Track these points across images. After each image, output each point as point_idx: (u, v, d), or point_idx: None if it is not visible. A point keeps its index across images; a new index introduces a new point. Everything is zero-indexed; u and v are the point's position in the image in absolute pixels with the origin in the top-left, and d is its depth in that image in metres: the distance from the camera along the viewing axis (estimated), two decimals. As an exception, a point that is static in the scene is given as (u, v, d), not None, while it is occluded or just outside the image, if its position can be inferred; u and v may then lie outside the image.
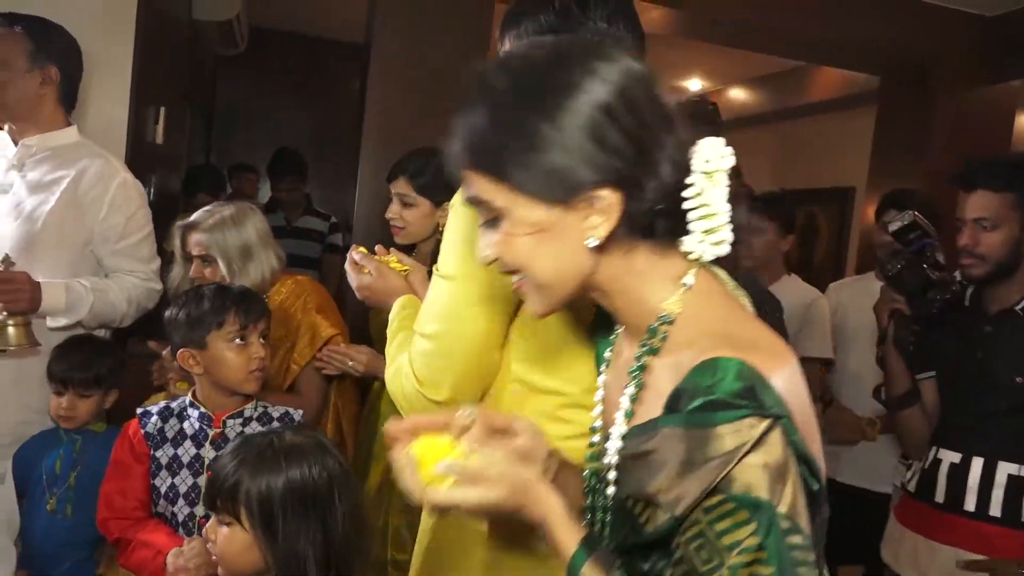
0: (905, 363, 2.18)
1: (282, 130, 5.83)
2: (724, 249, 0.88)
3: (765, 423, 0.77)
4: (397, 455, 0.93)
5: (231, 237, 2.13)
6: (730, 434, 0.76)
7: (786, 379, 0.82)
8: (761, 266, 2.82)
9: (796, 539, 0.76)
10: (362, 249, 1.64)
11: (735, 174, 0.89)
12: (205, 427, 1.76)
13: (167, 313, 1.83)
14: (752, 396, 0.77)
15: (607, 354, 1.01)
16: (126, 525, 1.73)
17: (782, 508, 0.76)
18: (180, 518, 1.73)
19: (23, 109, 2.14)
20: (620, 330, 1.00)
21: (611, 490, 0.90)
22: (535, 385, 1.19)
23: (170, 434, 1.76)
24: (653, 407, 0.85)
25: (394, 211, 2.20)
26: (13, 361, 2.08)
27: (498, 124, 0.87)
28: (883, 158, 4.37)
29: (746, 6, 3.81)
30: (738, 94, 6.25)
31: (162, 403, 1.82)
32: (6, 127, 2.20)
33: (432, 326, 1.17)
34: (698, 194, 0.87)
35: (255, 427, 1.75)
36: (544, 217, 0.86)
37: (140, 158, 3.13)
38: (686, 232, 0.88)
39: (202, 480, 1.71)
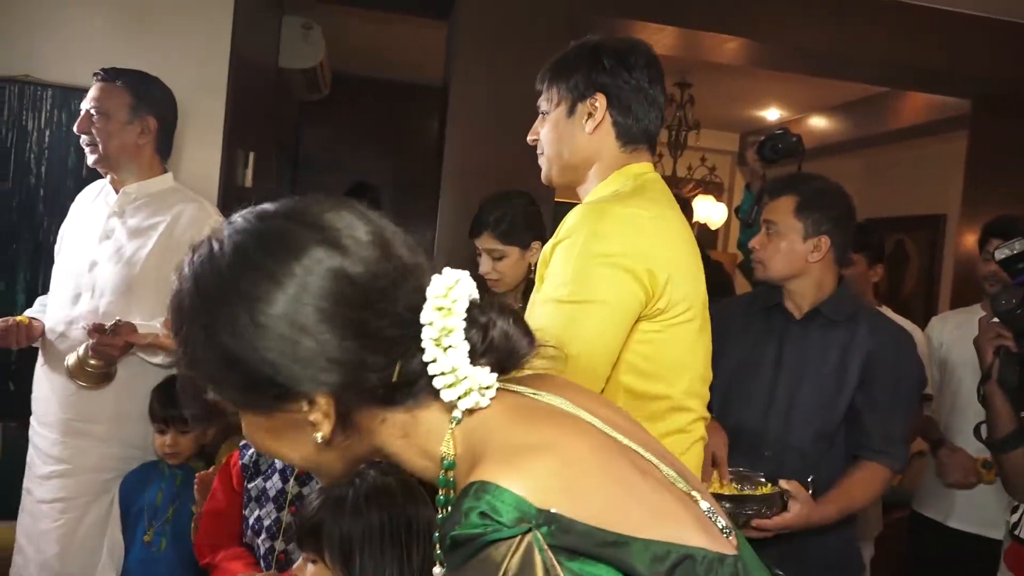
0: (1010, 402, 2.05)
1: (363, 172, 5.98)
2: (482, 401, 0.78)
3: (511, 543, 0.68)
4: None
5: None
6: (479, 568, 0.69)
7: (547, 471, 0.72)
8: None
9: None
10: None
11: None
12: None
13: None
14: (490, 519, 0.69)
15: None
16: (216, 551, 1.77)
17: None
18: (262, 551, 1.74)
19: (123, 158, 2.24)
20: None
21: None
22: (645, 393, 1.38)
23: (263, 467, 1.79)
24: None
25: (487, 266, 2.20)
26: (111, 399, 2.17)
27: (191, 333, 0.78)
28: (977, 184, 4.20)
29: (828, 34, 3.75)
30: (819, 122, 6.12)
31: None
32: (108, 176, 2.30)
33: (572, 348, 1.20)
34: (433, 361, 0.77)
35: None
36: (262, 421, 0.81)
37: (231, 201, 3.24)
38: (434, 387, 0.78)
39: (284, 515, 1.73)
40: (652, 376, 1.39)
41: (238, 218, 0.82)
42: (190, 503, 2.03)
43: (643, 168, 1.47)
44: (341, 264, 0.76)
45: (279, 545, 1.72)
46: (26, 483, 2.26)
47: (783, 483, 1.87)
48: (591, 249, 1.31)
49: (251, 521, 1.76)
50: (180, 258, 2.32)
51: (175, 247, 2.22)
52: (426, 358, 0.77)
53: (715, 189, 7.07)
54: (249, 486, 1.78)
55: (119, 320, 2.06)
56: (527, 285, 2.20)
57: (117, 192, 2.28)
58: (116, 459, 2.20)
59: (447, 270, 0.80)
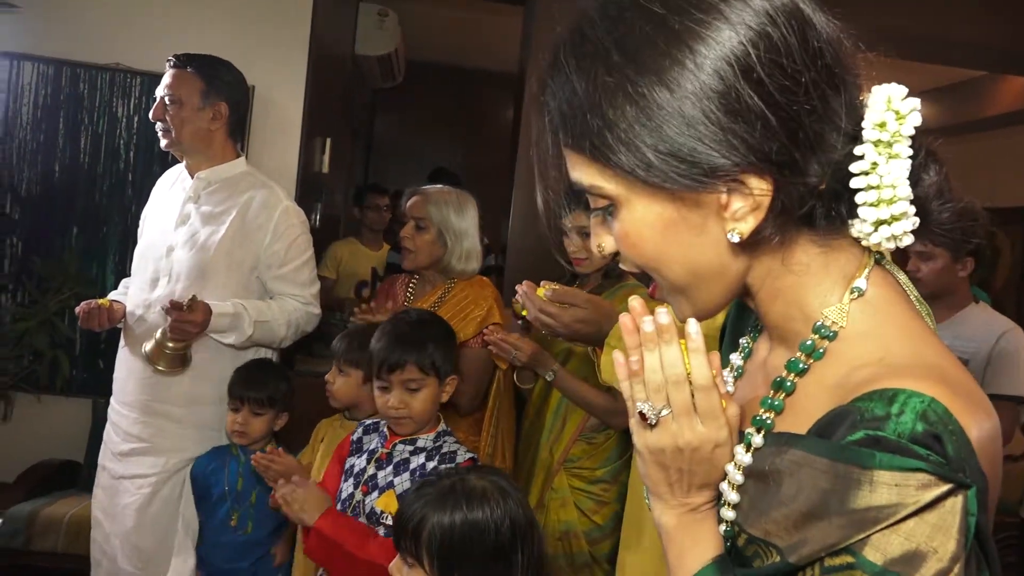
0: None
1: (435, 159, 6.02)
2: (904, 240, 0.67)
3: (943, 487, 0.57)
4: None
5: (450, 215, 2.32)
6: (889, 485, 0.57)
7: (986, 436, 0.62)
8: (937, 296, 2.59)
9: None
10: (553, 285, 1.60)
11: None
12: (379, 446, 1.79)
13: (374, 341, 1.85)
14: (935, 447, 0.58)
15: (735, 358, 0.82)
16: None
17: None
18: None
19: (197, 144, 2.27)
20: (759, 332, 0.81)
21: (728, 513, 0.71)
22: None
23: (363, 446, 1.82)
24: (794, 428, 0.68)
25: (576, 244, 2.19)
26: (187, 382, 2.22)
27: (597, 91, 0.65)
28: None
29: (920, 14, 3.58)
30: (906, 109, 5.88)
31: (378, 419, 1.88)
32: (184, 161, 2.34)
33: None
34: (868, 171, 0.65)
35: (421, 459, 1.74)
36: (669, 210, 0.67)
37: (308, 186, 3.31)
38: (855, 215, 0.67)
39: (359, 493, 1.75)
40: None
41: None
42: (264, 486, 2.08)
43: None
44: (799, 7, 0.66)
45: None
46: (101, 460, 2.33)
47: None
48: None
49: (339, 494, 1.79)
50: (251, 244, 2.33)
51: (246, 233, 2.25)
52: (857, 167, 0.65)
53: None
54: (348, 460, 1.81)
55: (195, 296, 2.11)
56: (610, 268, 2.18)
57: (192, 177, 2.31)
58: (193, 440, 2.25)
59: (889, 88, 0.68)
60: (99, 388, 3.09)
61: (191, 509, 2.22)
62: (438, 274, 2.36)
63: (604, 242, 0.73)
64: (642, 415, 0.70)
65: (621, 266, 0.75)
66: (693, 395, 0.69)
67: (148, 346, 2.13)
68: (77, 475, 3.12)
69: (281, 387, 2.19)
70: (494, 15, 4.65)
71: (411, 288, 2.42)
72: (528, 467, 2.26)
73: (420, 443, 1.75)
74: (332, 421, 2.19)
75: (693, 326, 0.69)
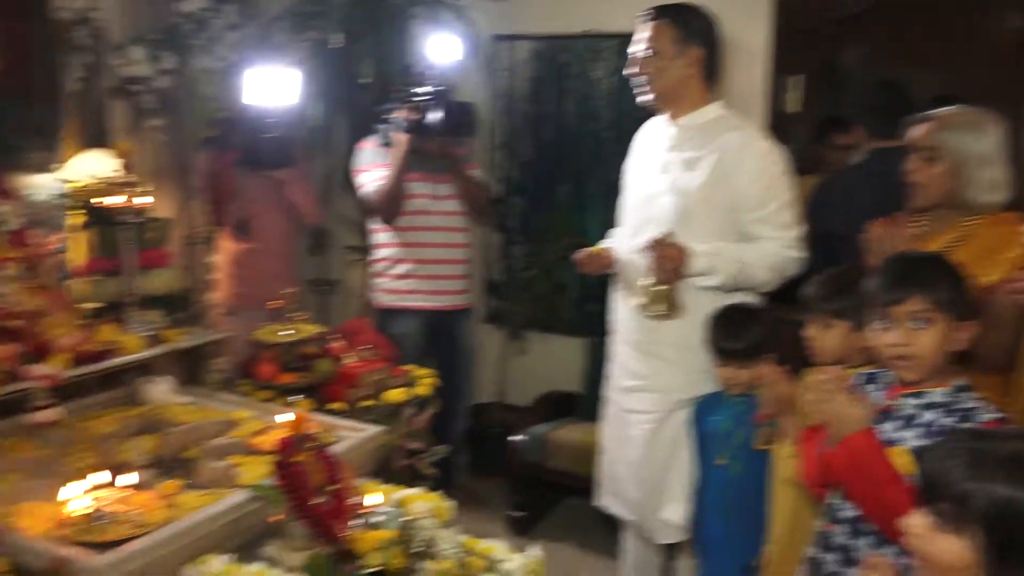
0: None
1: (911, 88, 5.37)
2: None
3: None
4: None
5: (966, 140, 1.96)
6: None
7: None
8: None
9: None
10: None
11: None
12: (880, 397, 1.64)
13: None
14: None
15: None
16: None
17: None
18: None
19: (674, 92, 2.33)
20: None
21: None
22: None
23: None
24: None
25: None
26: (675, 326, 2.30)
27: None
28: None
29: None
30: None
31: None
32: (662, 112, 2.41)
33: None
34: None
35: (934, 415, 1.54)
36: None
37: (776, 128, 3.22)
38: None
39: None
40: None
41: None
42: (755, 428, 2.10)
43: None
44: None
45: None
46: (608, 393, 2.57)
47: None
48: None
49: None
50: (728, 187, 2.27)
51: (723, 176, 2.27)
52: None
53: None
54: None
55: (671, 231, 2.21)
56: None
57: (671, 126, 2.39)
58: (683, 382, 2.35)
59: None
60: (592, 328, 3.41)
61: (685, 451, 2.33)
62: (953, 210, 2.02)
63: None
64: None
65: None
66: None
67: (640, 297, 2.24)
68: (575, 404, 3.52)
69: (759, 332, 2.16)
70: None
71: (920, 227, 2.11)
72: None
73: (930, 397, 1.56)
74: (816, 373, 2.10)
75: None
